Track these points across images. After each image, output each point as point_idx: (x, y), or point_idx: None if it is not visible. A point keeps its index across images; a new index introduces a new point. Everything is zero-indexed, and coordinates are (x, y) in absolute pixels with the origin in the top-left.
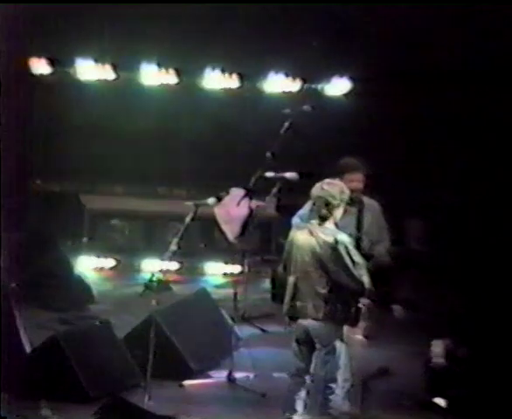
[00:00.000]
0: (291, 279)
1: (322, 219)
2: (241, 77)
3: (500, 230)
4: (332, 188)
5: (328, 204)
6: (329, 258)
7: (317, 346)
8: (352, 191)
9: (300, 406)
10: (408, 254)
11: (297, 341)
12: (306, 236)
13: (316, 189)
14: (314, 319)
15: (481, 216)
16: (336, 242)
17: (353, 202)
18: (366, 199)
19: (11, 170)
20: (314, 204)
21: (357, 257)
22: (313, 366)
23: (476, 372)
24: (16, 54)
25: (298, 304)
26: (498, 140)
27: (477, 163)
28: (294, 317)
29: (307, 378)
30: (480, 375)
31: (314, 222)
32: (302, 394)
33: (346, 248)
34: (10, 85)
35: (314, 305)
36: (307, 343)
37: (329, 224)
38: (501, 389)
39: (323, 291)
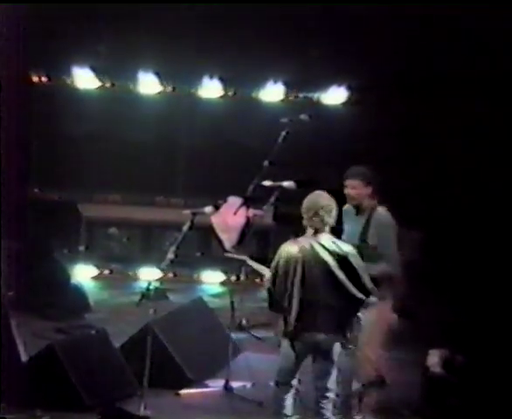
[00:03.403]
0: (297, 295)
1: (319, 230)
2: (239, 86)
3: (496, 239)
4: (325, 198)
5: (326, 214)
6: (340, 269)
7: (318, 358)
8: (351, 198)
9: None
10: (405, 264)
11: (299, 355)
12: (309, 248)
13: (312, 201)
14: (324, 332)
15: (478, 226)
16: (346, 252)
17: (361, 210)
18: (380, 209)
19: (11, 179)
20: (312, 217)
21: (363, 266)
22: (313, 376)
23: (473, 381)
24: (14, 63)
25: (307, 319)
26: (497, 147)
27: (475, 172)
28: (299, 333)
29: (295, 387)
30: (477, 385)
31: (309, 234)
32: (289, 402)
33: (355, 257)
34: (9, 94)
35: (325, 319)
36: (305, 356)
37: (326, 234)
38: (498, 398)
39: (333, 303)
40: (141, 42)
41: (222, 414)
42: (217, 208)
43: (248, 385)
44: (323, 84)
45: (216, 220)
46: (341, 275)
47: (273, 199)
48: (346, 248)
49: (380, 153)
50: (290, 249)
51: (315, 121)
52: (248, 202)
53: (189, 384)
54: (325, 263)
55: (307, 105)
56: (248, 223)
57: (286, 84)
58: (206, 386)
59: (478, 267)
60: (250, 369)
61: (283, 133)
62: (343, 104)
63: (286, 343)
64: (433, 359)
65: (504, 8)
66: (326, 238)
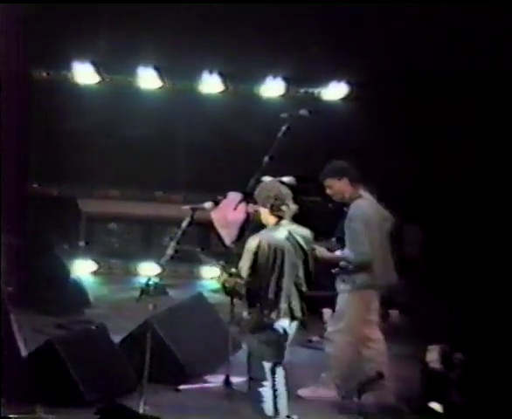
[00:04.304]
0: (284, 285)
1: (283, 217)
2: (239, 81)
3: (497, 236)
4: (282, 185)
5: (290, 201)
6: (310, 255)
7: (282, 346)
8: (333, 196)
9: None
10: (405, 259)
11: (272, 346)
12: (290, 237)
13: (275, 188)
14: (296, 320)
15: (479, 222)
16: (310, 236)
17: (347, 204)
18: (356, 202)
19: (11, 174)
20: (276, 203)
21: None
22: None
23: (472, 377)
24: (14, 58)
25: (285, 306)
26: (497, 146)
27: (475, 171)
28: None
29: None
30: (477, 381)
31: (271, 222)
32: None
33: (312, 241)
34: (10, 89)
35: (299, 305)
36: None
37: (288, 221)
38: (497, 395)
39: (304, 289)
40: (141, 37)
41: (221, 409)
42: (216, 203)
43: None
44: (323, 79)
45: (216, 215)
46: (311, 261)
47: None
48: (307, 232)
49: (380, 148)
50: (269, 239)
51: (315, 117)
52: (248, 198)
53: (188, 379)
54: (304, 250)
55: (307, 100)
56: (248, 218)
57: (286, 79)
58: (206, 381)
59: (478, 264)
60: None
61: (283, 128)
62: (343, 99)
63: (258, 335)
64: (433, 354)
65: (504, 8)
66: (295, 225)
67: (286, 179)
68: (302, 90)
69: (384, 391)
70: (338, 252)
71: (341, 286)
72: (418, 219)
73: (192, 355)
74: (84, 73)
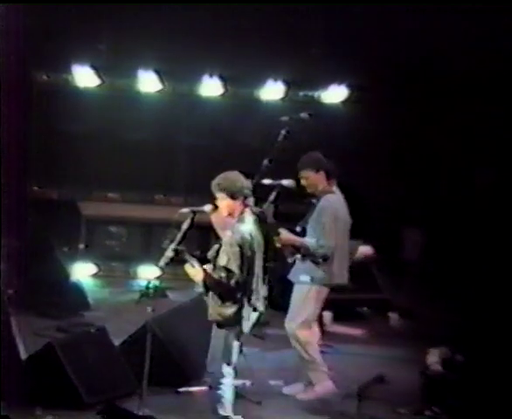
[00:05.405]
0: (261, 272)
1: (246, 207)
2: (239, 84)
3: (496, 238)
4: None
5: (251, 192)
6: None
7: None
8: (307, 188)
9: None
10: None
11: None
12: (254, 225)
13: (244, 180)
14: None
15: (478, 224)
16: None
17: (317, 196)
18: (327, 196)
19: (11, 177)
20: (247, 195)
21: None
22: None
23: (473, 380)
24: (14, 61)
25: (264, 295)
26: (497, 147)
27: (476, 172)
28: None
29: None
30: (477, 384)
31: (237, 213)
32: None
33: None
34: (10, 91)
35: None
36: None
37: (249, 212)
38: (497, 398)
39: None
40: (141, 40)
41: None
42: (216, 206)
43: (247, 383)
44: (323, 82)
45: (215, 218)
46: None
47: (272, 197)
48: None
49: (380, 151)
50: (249, 231)
51: (315, 120)
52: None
53: (188, 382)
54: (264, 238)
55: (307, 103)
56: None
57: (286, 82)
58: (205, 384)
59: (477, 266)
60: (249, 367)
61: (283, 131)
62: (343, 102)
63: (235, 329)
64: (433, 357)
65: (504, 8)
66: (254, 214)
67: (285, 182)
68: (302, 93)
69: (385, 393)
70: (301, 238)
71: (300, 278)
72: (418, 221)
73: (192, 358)
74: (84, 76)
